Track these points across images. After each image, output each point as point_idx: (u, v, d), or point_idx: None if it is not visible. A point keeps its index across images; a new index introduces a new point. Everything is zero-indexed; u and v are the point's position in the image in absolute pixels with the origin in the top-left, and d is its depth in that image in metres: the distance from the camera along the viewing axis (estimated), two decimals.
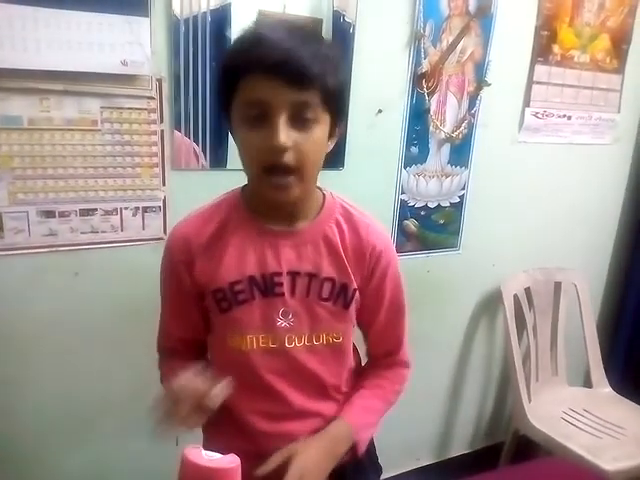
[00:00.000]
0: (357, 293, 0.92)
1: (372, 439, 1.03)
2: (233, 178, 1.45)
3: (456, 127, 1.76)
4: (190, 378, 0.78)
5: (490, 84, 1.75)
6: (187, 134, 1.36)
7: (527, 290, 2.03)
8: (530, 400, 1.97)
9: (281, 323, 0.88)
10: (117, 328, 1.43)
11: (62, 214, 1.29)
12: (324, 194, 0.94)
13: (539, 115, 1.92)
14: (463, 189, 1.86)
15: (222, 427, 0.91)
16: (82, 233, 1.32)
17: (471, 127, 1.80)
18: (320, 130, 0.81)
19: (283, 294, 0.88)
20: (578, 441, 1.79)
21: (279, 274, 0.88)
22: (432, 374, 1.98)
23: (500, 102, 1.83)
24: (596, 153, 2.13)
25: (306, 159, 0.80)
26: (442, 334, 1.99)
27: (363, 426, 0.94)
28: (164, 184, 1.37)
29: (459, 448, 2.17)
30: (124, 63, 1.26)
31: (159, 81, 1.31)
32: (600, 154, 2.14)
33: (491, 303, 2.05)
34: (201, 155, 1.40)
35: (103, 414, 1.47)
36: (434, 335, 1.94)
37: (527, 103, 1.89)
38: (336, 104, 0.83)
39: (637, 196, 2.30)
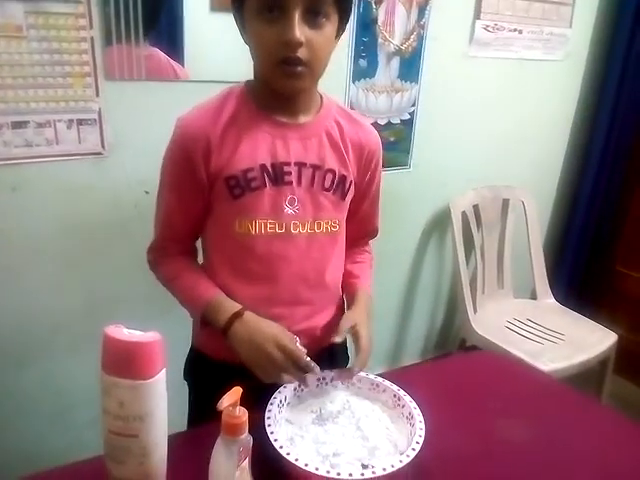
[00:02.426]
0: (352, 185, 1.00)
1: None
2: (170, 89, 1.44)
3: (405, 39, 1.73)
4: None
5: None
6: (119, 41, 1.30)
7: (475, 207, 2.08)
8: (476, 311, 2.07)
9: (287, 210, 0.94)
10: (63, 244, 1.43)
11: None
12: (320, 95, 0.99)
13: (490, 28, 1.90)
14: (413, 105, 1.85)
15: None
16: (16, 147, 1.29)
17: (421, 39, 1.77)
18: (330, 28, 0.86)
19: (291, 183, 0.93)
20: (520, 347, 1.90)
21: (288, 164, 0.93)
22: (384, 289, 2.04)
23: (450, 14, 1.80)
24: (547, 69, 2.13)
25: (317, 54, 0.85)
26: (393, 251, 2.04)
27: (370, 290, 1.10)
28: (97, 95, 1.33)
29: (410, 359, 2.28)
30: None
31: None
32: (551, 71, 2.15)
33: (441, 220, 2.10)
34: (179, 68, 1.41)
35: (55, 331, 1.49)
36: (385, 252, 1.96)
37: (478, 15, 1.87)
38: (345, 3, 0.88)
39: (587, 114, 2.33)
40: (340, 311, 1.10)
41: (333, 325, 1.03)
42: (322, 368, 0.96)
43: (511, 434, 0.94)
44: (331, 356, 1.06)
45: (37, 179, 1.34)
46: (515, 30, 1.97)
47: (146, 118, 1.42)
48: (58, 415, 1.57)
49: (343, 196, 0.99)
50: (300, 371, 0.88)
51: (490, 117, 2.06)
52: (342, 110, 1.01)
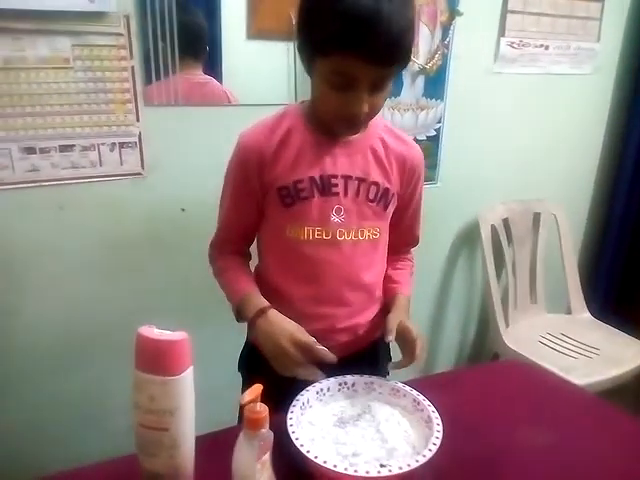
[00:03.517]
0: (395, 197, 1.07)
1: None
2: (203, 113, 1.53)
3: (429, 58, 1.78)
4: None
5: (462, 13, 1.76)
6: (157, 70, 1.40)
7: (505, 221, 2.09)
8: (508, 325, 2.06)
9: (334, 219, 1.02)
10: (105, 258, 1.52)
11: (43, 150, 1.36)
12: None
13: (515, 45, 1.93)
14: (439, 122, 1.89)
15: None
16: (63, 169, 1.39)
17: (445, 58, 1.81)
18: (390, 84, 0.94)
19: (338, 194, 1.02)
20: (554, 361, 1.87)
21: (335, 176, 1.01)
22: (414, 303, 2.04)
23: (474, 32, 1.84)
24: (576, 83, 2.14)
25: (377, 111, 0.96)
26: (423, 265, 2.01)
27: (410, 296, 1.17)
28: (138, 120, 1.43)
29: (442, 367, 2.25)
30: (91, 0, 1.29)
31: (126, 17, 1.35)
32: (580, 84, 2.15)
33: (470, 235, 2.11)
34: (230, 94, 1.54)
35: (97, 339, 1.57)
36: (416, 265, 2.01)
37: (502, 33, 1.90)
38: (406, 64, 0.94)
39: (618, 127, 2.31)
40: (381, 312, 1.15)
41: (374, 324, 1.13)
42: (365, 366, 1.03)
43: (533, 440, 0.95)
44: (374, 355, 1.15)
45: (82, 198, 1.44)
46: (541, 46, 1.99)
47: (183, 140, 1.51)
48: (97, 421, 1.64)
49: (385, 207, 1.06)
50: (315, 364, 0.95)
51: (518, 131, 2.07)
52: (388, 128, 1.08)
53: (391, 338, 1.00)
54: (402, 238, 1.17)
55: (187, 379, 0.72)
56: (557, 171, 2.23)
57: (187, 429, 0.75)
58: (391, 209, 1.08)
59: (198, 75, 1.51)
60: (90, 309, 1.55)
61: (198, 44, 1.49)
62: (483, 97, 1.95)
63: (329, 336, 1.08)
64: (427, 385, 0.97)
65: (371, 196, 1.04)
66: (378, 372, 1.17)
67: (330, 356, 0.95)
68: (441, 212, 2.01)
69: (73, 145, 1.38)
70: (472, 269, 2.20)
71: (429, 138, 1.89)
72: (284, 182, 1.01)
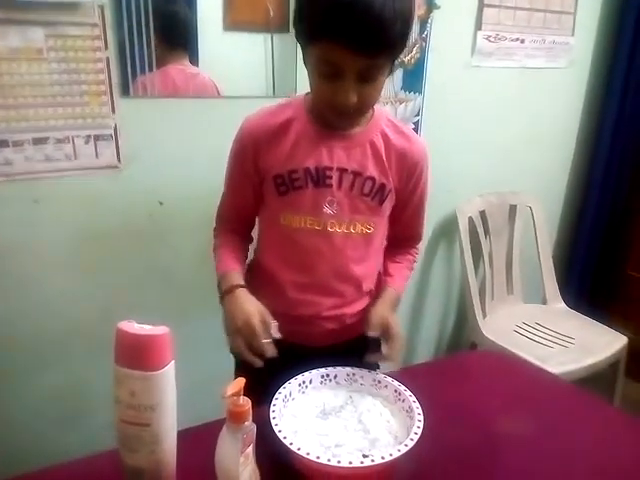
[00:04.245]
0: (392, 193, 1.07)
1: None
2: (183, 106, 1.51)
3: (408, 51, 1.78)
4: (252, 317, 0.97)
5: (439, 7, 1.77)
6: (132, 62, 1.38)
7: (482, 213, 2.11)
8: (485, 316, 2.09)
9: (326, 210, 1.04)
10: (81, 253, 1.49)
11: (16, 143, 1.33)
12: (373, 107, 1.05)
13: (491, 39, 1.95)
14: (417, 115, 1.90)
15: (262, 290, 1.06)
16: (37, 162, 1.36)
17: (423, 52, 1.82)
18: (382, 77, 0.94)
19: (332, 186, 1.03)
20: (530, 350, 1.91)
21: (330, 169, 1.02)
22: None
23: (451, 26, 1.85)
24: (551, 77, 2.17)
25: (368, 102, 0.96)
26: None
27: (401, 290, 1.18)
28: (113, 112, 1.40)
29: (422, 357, 2.28)
30: None
31: (101, 8, 1.32)
32: (555, 78, 2.18)
33: (448, 227, 2.13)
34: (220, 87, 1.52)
35: (72, 335, 1.55)
36: None
37: (479, 26, 1.91)
38: (398, 54, 0.94)
39: (592, 120, 2.36)
40: (368, 301, 1.16)
41: (363, 316, 1.12)
42: (353, 357, 1.03)
43: (511, 428, 0.97)
44: (362, 346, 1.13)
45: (56, 192, 1.41)
46: (517, 39, 2.01)
47: (160, 132, 1.49)
48: (74, 418, 1.62)
49: (381, 202, 1.06)
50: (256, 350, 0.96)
51: (494, 125, 2.10)
52: (391, 122, 1.07)
53: (372, 333, 1.02)
54: (402, 233, 1.18)
55: (168, 374, 0.72)
56: (533, 164, 2.26)
57: (168, 424, 0.74)
58: (387, 205, 1.08)
59: (187, 66, 1.49)
60: (67, 305, 1.52)
61: (180, 34, 1.48)
62: (461, 90, 1.96)
63: (315, 322, 1.11)
64: (408, 376, 0.99)
65: (366, 191, 1.04)
66: (367, 363, 1.20)
67: (270, 351, 0.96)
68: None
69: (47, 138, 1.35)
70: (450, 261, 2.22)
71: None
72: (280, 171, 1.02)
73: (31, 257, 1.44)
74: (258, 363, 0.96)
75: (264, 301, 1.02)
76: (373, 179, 1.04)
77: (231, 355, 1.17)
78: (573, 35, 2.15)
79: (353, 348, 1.11)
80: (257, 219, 1.18)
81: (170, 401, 0.73)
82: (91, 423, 1.64)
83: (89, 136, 1.40)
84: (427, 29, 1.79)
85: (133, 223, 1.55)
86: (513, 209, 2.20)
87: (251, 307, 0.99)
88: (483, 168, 2.13)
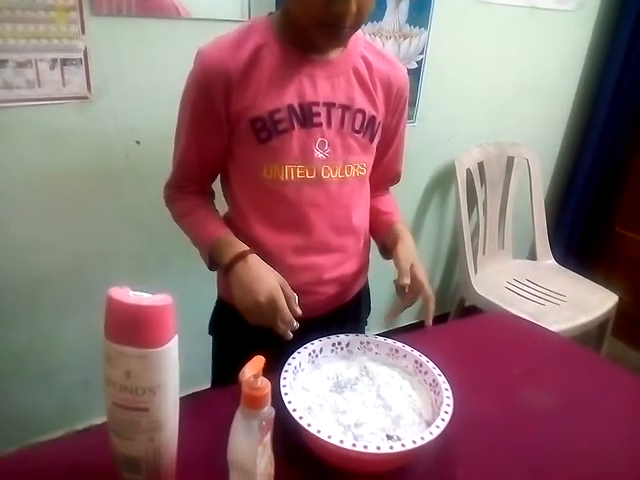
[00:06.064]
0: (380, 127, 0.94)
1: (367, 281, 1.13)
2: (165, 26, 1.31)
3: None
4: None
5: None
6: None
7: (480, 165, 2.01)
8: (476, 271, 2.03)
9: (318, 154, 0.89)
10: (45, 196, 1.33)
11: None
12: None
13: None
14: (422, 53, 1.74)
15: None
16: None
17: None
18: None
19: (321, 124, 0.88)
20: (521, 307, 1.87)
21: (316, 104, 0.87)
22: None
23: None
24: (559, 19, 2.03)
25: (363, 17, 0.80)
26: None
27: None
28: (83, 32, 1.20)
29: (406, 319, 2.22)
30: None
31: None
32: (563, 20, 2.05)
33: (444, 177, 2.03)
34: (180, 5, 1.28)
35: (41, 287, 1.40)
36: None
37: None
38: None
39: (595, 70, 2.24)
40: (367, 258, 1.07)
41: (359, 273, 1.04)
42: (348, 322, 0.96)
43: (536, 399, 0.90)
44: (357, 309, 1.09)
45: (17, 125, 1.23)
46: None
47: (138, 59, 1.30)
48: (44, 376, 1.50)
49: (372, 138, 0.94)
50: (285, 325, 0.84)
51: (498, 69, 1.97)
52: (369, 45, 0.93)
53: (407, 282, 0.88)
54: (384, 174, 1.06)
55: (171, 351, 0.60)
56: (532, 113, 2.15)
57: (170, 408, 0.63)
58: (376, 141, 0.96)
59: None
60: (30, 254, 1.36)
61: None
62: (467, 27, 1.81)
63: (315, 289, 0.98)
64: (413, 341, 0.89)
65: (357, 126, 0.91)
66: (358, 325, 1.13)
67: (288, 334, 0.84)
68: (416, 154, 1.90)
69: (5, 60, 1.15)
70: (442, 213, 2.13)
71: (410, 71, 1.72)
72: (258, 112, 0.85)
73: None
74: (289, 335, 0.84)
75: None
76: (363, 112, 0.91)
77: (209, 337, 1.07)
78: None
79: (347, 312, 1.03)
80: (221, 179, 1.00)
81: (172, 382, 0.61)
82: (63, 382, 1.52)
83: (55, 60, 1.20)
84: None
85: (106, 164, 1.38)
86: (511, 161, 2.10)
87: (271, 279, 0.85)
88: (483, 116, 2.02)
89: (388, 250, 0.99)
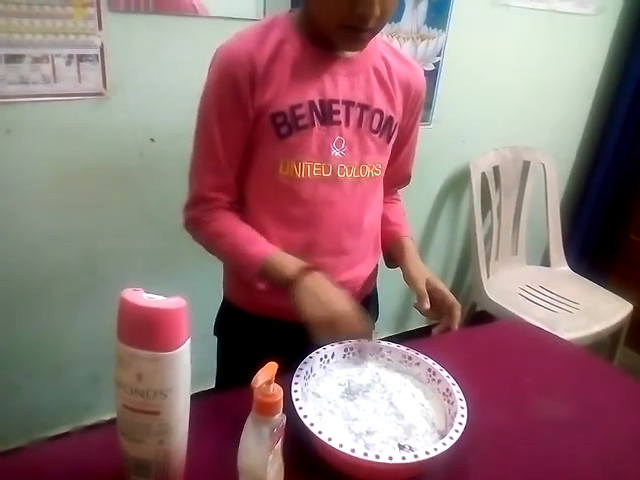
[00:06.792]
0: (397, 128, 0.94)
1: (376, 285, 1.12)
2: (182, 24, 1.31)
3: None
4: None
5: None
6: None
7: (495, 168, 1.98)
8: (489, 276, 2.00)
9: (335, 153, 0.88)
10: (60, 192, 1.33)
11: None
12: None
13: None
14: (439, 55, 1.72)
15: None
16: (9, 84, 1.17)
17: None
18: None
19: (340, 122, 0.88)
20: (534, 314, 1.84)
21: (336, 102, 0.87)
22: None
23: None
24: (578, 23, 2.00)
25: (385, 21, 0.81)
26: (408, 210, 1.94)
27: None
28: (100, 28, 1.20)
29: (416, 322, 2.22)
30: None
31: None
32: (582, 25, 2.01)
33: (459, 180, 2.01)
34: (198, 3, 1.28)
35: (52, 282, 1.40)
36: None
37: None
38: None
39: (614, 75, 2.20)
40: (376, 262, 1.06)
41: (370, 276, 1.03)
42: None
43: (549, 410, 0.88)
44: (366, 310, 1.03)
45: (33, 120, 1.23)
46: None
47: (154, 56, 1.29)
48: (54, 371, 1.50)
49: (388, 139, 0.93)
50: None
51: (514, 73, 1.94)
52: (387, 45, 0.93)
53: (427, 306, 0.91)
54: (393, 176, 1.04)
55: (183, 355, 0.59)
56: (549, 118, 2.13)
57: (181, 412, 0.62)
58: (392, 142, 0.95)
59: None
60: (43, 249, 1.36)
61: None
62: (486, 30, 1.79)
63: None
64: (424, 348, 0.87)
65: (374, 126, 0.90)
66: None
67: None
68: (430, 156, 1.89)
69: (22, 55, 1.15)
70: (456, 217, 2.11)
71: (427, 73, 1.71)
72: (280, 107, 0.84)
73: (2, 194, 1.26)
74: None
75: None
76: (381, 112, 0.90)
77: (215, 337, 1.05)
78: None
79: None
80: None
81: (184, 386, 0.60)
82: (73, 376, 1.52)
83: (71, 56, 1.19)
84: None
85: (120, 161, 1.38)
86: (526, 166, 2.08)
87: (343, 300, 0.84)
88: (499, 120, 1.99)
89: (393, 261, 1.01)
